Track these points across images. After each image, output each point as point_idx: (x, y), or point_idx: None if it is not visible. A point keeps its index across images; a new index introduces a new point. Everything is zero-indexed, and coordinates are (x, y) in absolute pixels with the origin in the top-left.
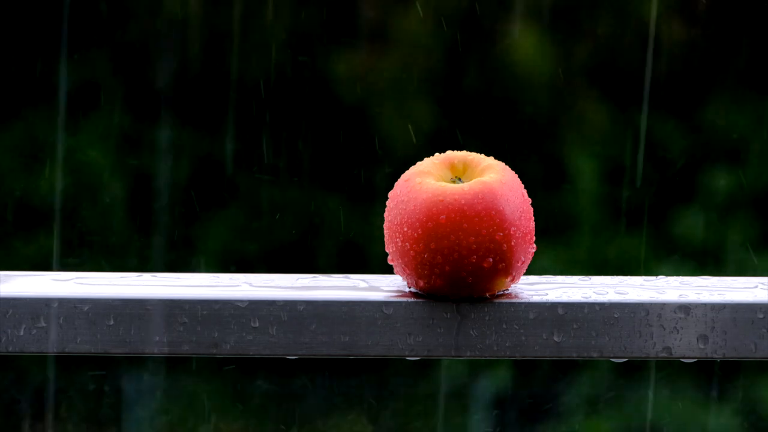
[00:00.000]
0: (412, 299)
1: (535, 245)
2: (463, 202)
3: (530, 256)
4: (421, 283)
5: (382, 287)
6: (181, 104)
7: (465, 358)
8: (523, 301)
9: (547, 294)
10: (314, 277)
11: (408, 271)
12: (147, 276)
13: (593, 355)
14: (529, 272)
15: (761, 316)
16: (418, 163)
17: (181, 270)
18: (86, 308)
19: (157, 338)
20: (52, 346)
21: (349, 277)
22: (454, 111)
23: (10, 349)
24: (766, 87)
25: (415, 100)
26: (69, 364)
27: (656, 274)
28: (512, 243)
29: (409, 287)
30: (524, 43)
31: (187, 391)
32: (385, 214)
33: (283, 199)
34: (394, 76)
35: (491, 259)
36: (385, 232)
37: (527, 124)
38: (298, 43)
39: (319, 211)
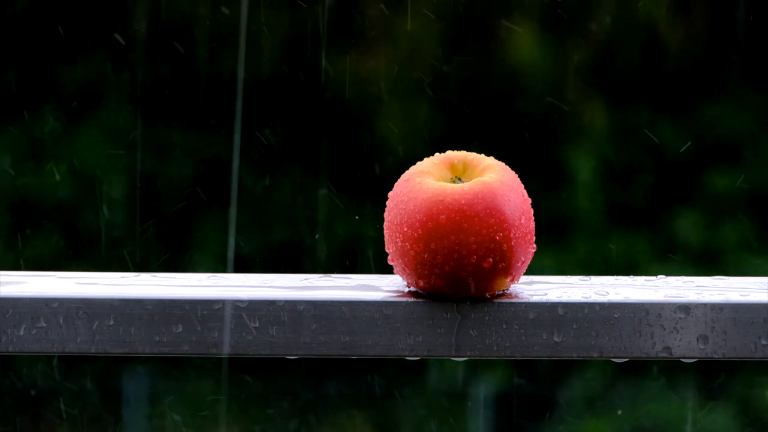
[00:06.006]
0: (412, 299)
1: (535, 245)
2: (463, 202)
3: (530, 256)
4: (421, 283)
5: (382, 287)
6: (181, 104)
7: (465, 358)
8: (523, 301)
9: (547, 294)
10: (314, 277)
11: (408, 271)
12: (147, 276)
13: (593, 355)
14: (529, 272)
15: (761, 316)
16: (418, 163)
17: (181, 270)
18: (86, 308)
19: (157, 338)
20: (52, 346)
21: (349, 277)
22: (453, 111)
23: (10, 349)
24: (766, 87)
25: (414, 100)
26: (69, 363)
27: (656, 274)
28: (512, 243)
29: (409, 287)
30: (524, 42)
31: (185, 391)
32: (385, 215)
33: (282, 199)
34: (394, 75)
35: (491, 259)
36: (385, 232)
37: (527, 124)
38: (297, 43)
39: (319, 211)
